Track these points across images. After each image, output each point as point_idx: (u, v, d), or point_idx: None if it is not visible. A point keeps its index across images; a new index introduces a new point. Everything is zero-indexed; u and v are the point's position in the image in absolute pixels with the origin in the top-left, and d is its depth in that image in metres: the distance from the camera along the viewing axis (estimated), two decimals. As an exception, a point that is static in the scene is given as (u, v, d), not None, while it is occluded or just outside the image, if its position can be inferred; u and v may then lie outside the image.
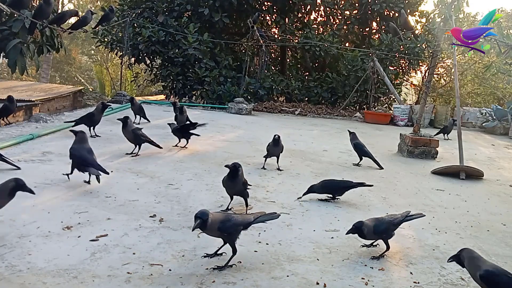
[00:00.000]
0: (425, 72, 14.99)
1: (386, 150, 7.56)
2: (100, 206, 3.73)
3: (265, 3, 14.24)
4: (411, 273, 2.98)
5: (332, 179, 4.63)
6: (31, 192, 3.11)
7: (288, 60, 15.97)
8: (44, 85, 12.50)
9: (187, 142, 6.24)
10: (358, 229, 3.14)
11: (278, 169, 5.49)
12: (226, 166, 3.74)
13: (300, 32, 13.98)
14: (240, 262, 2.88)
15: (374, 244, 3.35)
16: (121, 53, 12.83)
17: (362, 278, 2.84)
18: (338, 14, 14.88)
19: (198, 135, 6.21)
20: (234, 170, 3.66)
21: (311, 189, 4.32)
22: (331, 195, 4.43)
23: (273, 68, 14.98)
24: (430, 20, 14.34)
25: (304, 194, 4.34)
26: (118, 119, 5.74)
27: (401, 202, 4.62)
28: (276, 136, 5.39)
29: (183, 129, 6.17)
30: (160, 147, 5.81)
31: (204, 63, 12.43)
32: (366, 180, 4.75)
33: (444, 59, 16.51)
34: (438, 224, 4.05)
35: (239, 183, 3.73)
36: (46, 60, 20.54)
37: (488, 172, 6.41)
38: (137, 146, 5.59)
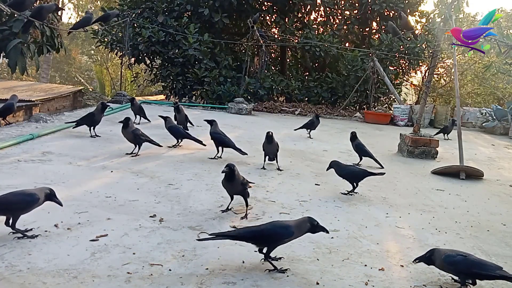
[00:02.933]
0: (425, 72, 15.01)
1: (386, 150, 7.55)
2: (100, 206, 3.73)
3: (265, 3, 14.24)
4: (411, 273, 2.98)
5: (351, 166, 4.80)
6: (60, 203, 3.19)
7: (288, 60, 15.97)
8: (44, 85, 12.48)
9: (181, 141, 6.33)
10: None
11: (278, 169, 5.49)
12: (222, 172, 3.73)
13: (300, 32, 13.98)
14: (243, 262, 2.89)
15: None
16: (121, 53, 12.83)
17: (362, 278, 2.84)
18: (338, 14, 14.89)
19: (204, 145, 6.09)
20: (230, 172, 3.66)
21: (331, 165, 4.66)
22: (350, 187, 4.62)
23: (273, 68, 14.98)
24: (430, 20, 14.35)
25: (327, 169, 4.71)
26: (120, 122, 5.71)
27: (401, 202, 4.63)
28: (270, 132, 5.38)
29: (183, 137, 6.26)
30: (160, 146, 5.83)
31: (204, 63, 12.43)
32: (366, 180, 4.76)
33: (444, 59, 16.51)
34: (438, 224, 4.05)
35: (237, 183, 3.73)
36: (46, 60, 20.56)
37: (488, 172, 6.40)
38: (137, 146, 5.60)
